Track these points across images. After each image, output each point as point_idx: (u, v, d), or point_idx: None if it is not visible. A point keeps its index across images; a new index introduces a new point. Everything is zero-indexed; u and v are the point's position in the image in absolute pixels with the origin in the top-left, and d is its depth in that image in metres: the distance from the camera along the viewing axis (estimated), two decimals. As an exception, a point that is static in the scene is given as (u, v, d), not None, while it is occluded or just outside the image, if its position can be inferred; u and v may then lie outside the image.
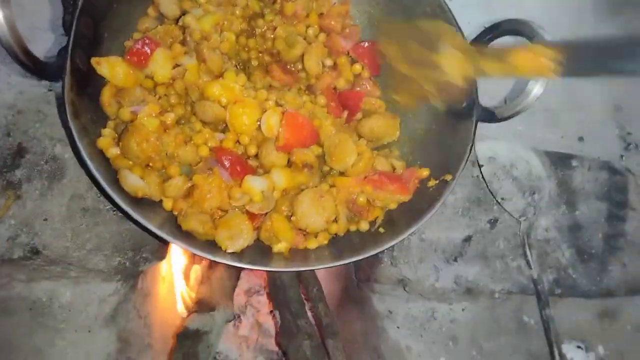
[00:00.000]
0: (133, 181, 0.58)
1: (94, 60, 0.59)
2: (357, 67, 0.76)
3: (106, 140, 0.59)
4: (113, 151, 0.59)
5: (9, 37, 0.50)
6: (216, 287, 0.88)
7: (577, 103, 0.99)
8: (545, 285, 0.80)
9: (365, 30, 0.80)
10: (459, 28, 0.73)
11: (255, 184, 0.62)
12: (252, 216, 0.62)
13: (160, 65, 0.64)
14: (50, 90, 0.71)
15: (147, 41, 0.62)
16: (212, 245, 0.58)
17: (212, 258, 0.56)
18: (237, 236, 0.59)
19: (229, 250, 0.59)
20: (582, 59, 0.51)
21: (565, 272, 0.83)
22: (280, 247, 0.63)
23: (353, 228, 0.69)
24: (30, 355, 0.68)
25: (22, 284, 0.68)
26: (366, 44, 0.76)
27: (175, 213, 0.61)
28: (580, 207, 0.87)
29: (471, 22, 0.73)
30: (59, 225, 0.65)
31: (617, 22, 1.09)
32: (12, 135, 0.67)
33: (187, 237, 0.58)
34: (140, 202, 0.58)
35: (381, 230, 0.67)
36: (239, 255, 0.59)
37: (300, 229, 0.65)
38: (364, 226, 0.68)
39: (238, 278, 0.93)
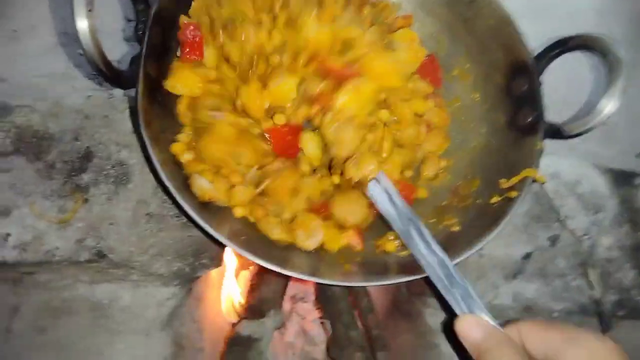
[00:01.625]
0: (203, 184, 0.59)
1: (168, 86, 0.61)
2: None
3: (180, 145, 0.61)
4: (186, 156, 0.60)
5: (92, 48, 0.51)
6: (266, 293, 0.89)
7: (635, 118, 0.96)
8: (608, 307, 0.78)
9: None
10: (523, 41, 0.71)
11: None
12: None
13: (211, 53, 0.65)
14: (112, 96, 0.73)
15: (192, 29, 0.64)
16: (279, 257, 0.58)
17: (280, 270, 0.56)
18: (313, 234, 0.62)
19: (310, 248, 0.63)
20: None
21: (629, 293, 0.80)
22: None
23: None
24: (90, 355, 0.70)
25: (85, 286, 0.69)
26: (426, 60, 0.75)
27: (253, 220, 0.63)
28: (644, 227, 0.84)
29: (528, 36, 0.71)
30: (124, 229, 0.66)
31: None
32: (80, 140, 0.69)
33: (255, 246, 0.58)
34: (207, 210, 0.58)
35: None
36: (306, 269, 0.58)
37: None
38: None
39: (287, 285, 0.94)
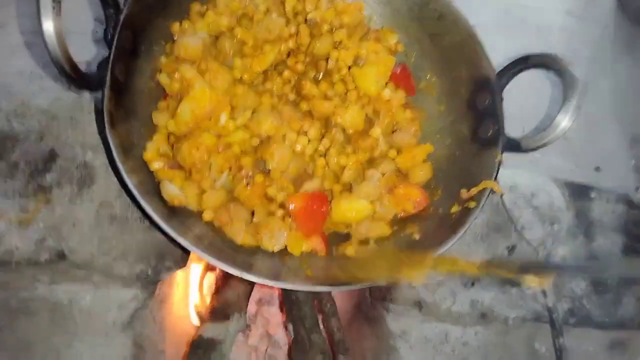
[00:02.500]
0: (172, 190, 0.61)
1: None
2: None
3: (151, 153, 0.62)
4: (156, 165, 0.62)
5: (58, 49, 0.51)
6: (231, 296, 0.89)
7: (594, 133, 1.00)
8: (560, 314, 0.81)
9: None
10: (487, 57, 0.74)
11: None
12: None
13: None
14: (80, 97, 0.72)
15: None
16: (243, 262, 0.59)
17: (246, 277, 0.57)
18: (278, 236, 0.65)
19: (276, 250, 0.65)
20: None
21: (580, 302, 0.84)
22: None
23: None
24: (47, 356, 0.69)
25: (44, 286, 0.68)
26: (399, 70, 0.77)
27: (218, 225, 0.64)
28: (597, 239, 0.87)
29: (494, 52, 0.74)
30: (86, 231, 0.66)
31: (635, 56, 1.10)
32: (45, 141, 0.68)
33: (219, 251, 0.59)
34: (172, 215, 0.59)
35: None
36: (269, 274, 0.59)
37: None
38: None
39: (252, 288, 0.94)
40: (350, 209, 0.69)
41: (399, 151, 0.75)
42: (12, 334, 0.68)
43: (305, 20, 0.75)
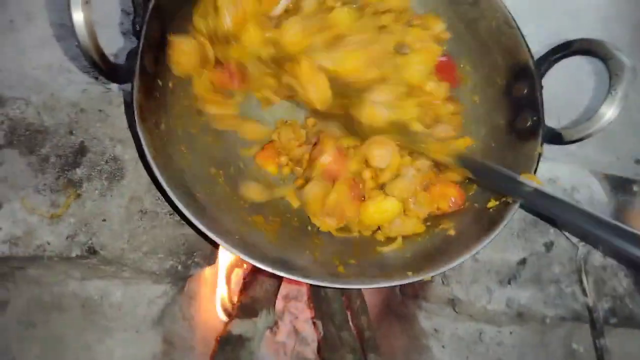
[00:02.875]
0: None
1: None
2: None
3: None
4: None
5: (87, 40, 0.50)
6: (259, 292, 0.88)
7: (632, 123, 0.96)
8: (601, 314, 0.77)
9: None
10: (525, 44, 0.71)
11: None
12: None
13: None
14: (109, 90, 0.72)
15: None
16: (273, 258, 0.58)
17: (272, 270, 0.56)
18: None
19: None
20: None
21: (622, 301, 0.80)
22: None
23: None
24: (79, 352, 0.69)
25: (76, 282, 0.68)
26: (443, 60, 0.74)
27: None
28: (639, 235, 0.83)
29: (528, 37, 0.71)
30: (117, 226, 0.65)
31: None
32: (74, 134, 0.68)
33: (249, 246, 0.57)
34: (203, 209, 0.58)
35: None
36: (297, 269, 0.58)
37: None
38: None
39: (280, 284, 0.93)
40: (378, 211, 0.67)
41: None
42: (46, 329, 0.68)
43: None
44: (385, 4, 0.73)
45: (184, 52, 0.63)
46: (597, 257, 0.81)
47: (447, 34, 0.76)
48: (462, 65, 0.77)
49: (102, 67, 0.53)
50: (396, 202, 0.67)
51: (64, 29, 0.73)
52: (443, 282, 0.76)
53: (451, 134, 0.72)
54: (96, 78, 0.72)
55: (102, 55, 0.52)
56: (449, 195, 0.69)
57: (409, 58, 0.70)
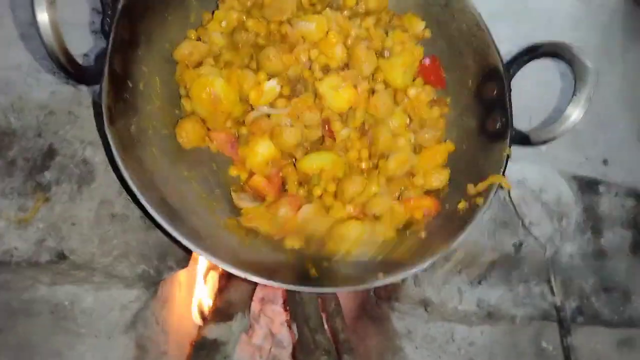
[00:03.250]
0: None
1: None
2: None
3: None
4: None
5: (53, 41, 0.50)
6: (234, 295, 0.88)
7: (601, 124, 0.98)
8: (568, 313, 0.79)
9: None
10: (495, 46, 0.72)
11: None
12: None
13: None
14: (78, 91, 0.71)
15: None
16: (245, 262, 0.58)
17: (244, 275, 0.56)
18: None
19: None
20: None
21: (588, 300, 0.82)
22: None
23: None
24: (49, 358, 0.68)
25: (45, 287, 0.67)
26: (428, 61, 0.75)
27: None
28: (605, 235, 0.86)
29: (501, 39, 0.72)
30: (86, 230, 0.64)
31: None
32: (43, 136, 0.66)
33: (221, 251, 0.57)
34: (174, 213, 0.57)
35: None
36: (270, 273, 0.58)
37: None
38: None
39: (255, 287, 0.93)
40: (344, 237, 0.66)
41: (418, 150, 0.73)
42: (14, 336, 0.66)
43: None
44: (364, 5, 0.73)
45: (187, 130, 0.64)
46: (565, 258, 0.83)
47: (427, 32, 0.77)
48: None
49: (69, 70, 0.52)
50: (360, 228, 0.67)
51: (32, 28, 0.71)
52: (415, 284, 0.77)
53: (437, 137, 0.73)
54: (66, 79, 0.71)
55: (69, 57, 0.52)
56: (424, 206, 0.69)
57: (391, 61, 0.71)
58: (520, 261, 0.81)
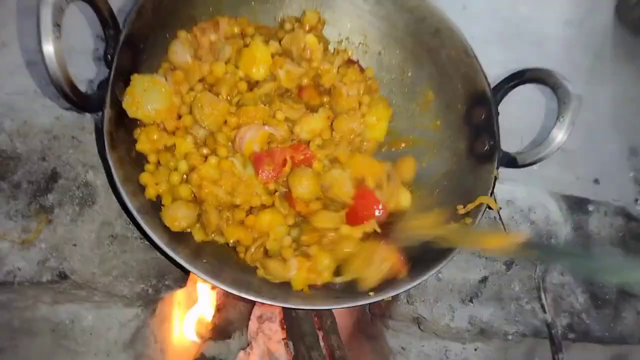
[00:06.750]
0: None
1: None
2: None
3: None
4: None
5: (58, 72, 0.52)
6: (232, 314, 0.89)
7: (592, 145, 1.00)
8: (559, 330, 0.81)
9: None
10: (482, 72, 0.75)
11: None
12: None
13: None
14: (81, 117, 0.73)
15: None
16: (242, 281, 0.59)
17: (238, 293, 0.57)
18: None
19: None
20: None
21: (579, 317, 0.83)
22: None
23: None
24: (49, 377, 0.70)
25: (46, 306, 0.69)
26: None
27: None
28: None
29: (493, 64, 0.75)
30: (87, 251, 0.66)
31: (634, 66, 1.11)
32: (47, 160, 0.69)
33: (218, 271, 0.59)
34: (171, 235, 0.59)
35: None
36: (260, 292, 0.60)
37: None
38: None
39: (253, 305, 0.94)
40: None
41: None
42: (15, 355, 0.68)
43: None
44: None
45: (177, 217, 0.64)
46: (555, 275, 0.84)
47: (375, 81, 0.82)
48: (424, 92, 0.81)
49: (72, 99, 0.55)
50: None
51: (38, 55, 0.74)
52: (408, 301, 0.78)
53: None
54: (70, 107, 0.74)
55: (73, 86, 0.54)
56: (390, 261, 0.67)
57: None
58: (511, 279, 0.82)
